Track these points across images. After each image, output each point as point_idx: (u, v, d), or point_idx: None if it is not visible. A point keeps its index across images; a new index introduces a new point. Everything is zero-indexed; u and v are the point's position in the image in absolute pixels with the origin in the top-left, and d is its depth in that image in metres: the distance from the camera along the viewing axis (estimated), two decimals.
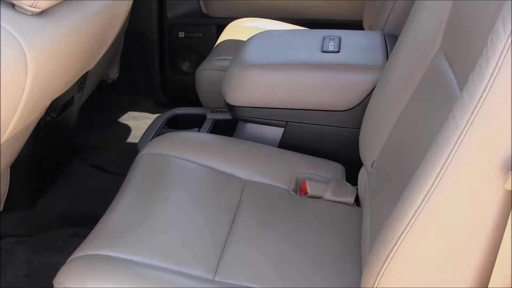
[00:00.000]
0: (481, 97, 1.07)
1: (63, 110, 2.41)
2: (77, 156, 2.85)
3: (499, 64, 1.05)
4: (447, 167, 1.11)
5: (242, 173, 1.87)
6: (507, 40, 1.04)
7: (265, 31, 2.47)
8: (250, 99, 2.10)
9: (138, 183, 1.77)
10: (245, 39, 2.44)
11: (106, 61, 3.08)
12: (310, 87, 2.06)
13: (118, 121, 3.29)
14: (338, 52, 2.15)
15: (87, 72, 2.33)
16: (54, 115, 2.28)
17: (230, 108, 2.14)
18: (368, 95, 2.00)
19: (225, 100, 2.16)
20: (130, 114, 3.35)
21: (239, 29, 2.98)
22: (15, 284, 2.06)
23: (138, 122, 3.25)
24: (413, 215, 1.16)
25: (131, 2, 2.04)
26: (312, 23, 3.08)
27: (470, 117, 1.08)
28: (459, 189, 1.12)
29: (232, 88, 2.11)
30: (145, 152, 1.91)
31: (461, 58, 1.35)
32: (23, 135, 1.94)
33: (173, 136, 2.02)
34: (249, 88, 2.09)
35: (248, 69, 2.09)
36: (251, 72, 2.08)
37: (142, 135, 2.42)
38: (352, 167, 1.96)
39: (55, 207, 2.52)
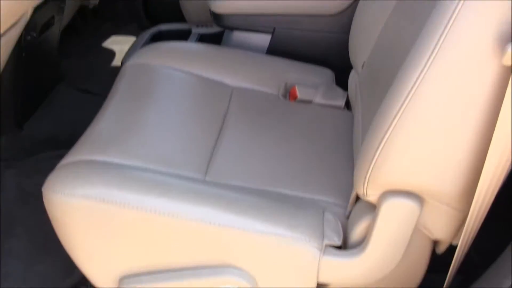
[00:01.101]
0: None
1: (44, 31, 2.37)
2: (62, 81, 2.80)
3: None
4: (441, 42, 1.09)
5: (230, 80, 1.85)
6: None
7: None
8: (235, 6, 2.06)
9: (124, 92, 1.74)
10: None
11: None
12: None
13: (102, 46, 3.24)
14: None
15: None
16: (35, 35, 2.24)
17: (216, 17, 2.10)
18: None
19: (210, 10, 2.11)
20: (113, 38, 3.30)
21: None
22: (6, 206, 2.05)
23: (122, 46, 3.19)
24: (405, 99, 1.14)
25: None
26: None
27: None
28: (454, 67, 1.10)
29: None
30: (130, 63, 1.88)
31: None
32: (4, 50, 1.90)
33: (159, 46, 1.98)
34: None
35: None
36: None
37: (127, 51, 2.38)
38: (341, 73, 1.93)
39: (42, 130, 2.49)
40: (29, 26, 2.09)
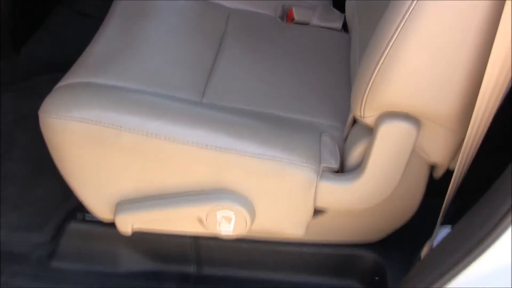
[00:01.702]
0: None
1: None
2: (60, 2, 2.77)
3: None
4: None
5: (227, 2, 1.82)
6: None
7: None
8: None
9: (120, 13, 1.71)
10: None
11: None
12: None
13: None
14: None
15: None
16: None
17: None
18: None
19: None
20: None
21: None
22: (3, 130, 2.04)
23: None
24: (402, 18, 1.13)
25: None
26: None
27: None
28: None
29: None
30: None
31: None
32: None
33: None
34: None
35: None
36: None
37: None
38: None
39: (39, 54, 2.46)
40: None
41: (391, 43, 1.15)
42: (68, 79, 1.45)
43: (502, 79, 1.11)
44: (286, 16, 1.81)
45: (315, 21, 1.79)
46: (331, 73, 1.61)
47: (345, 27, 1.82)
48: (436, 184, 1.43)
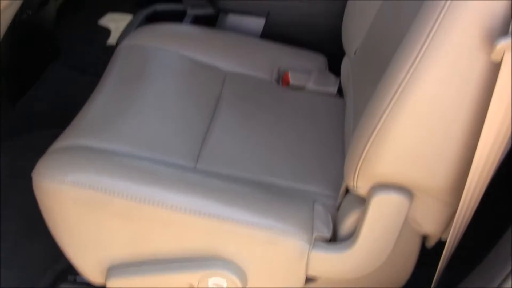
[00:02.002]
0: None
1: (39, 9, 2.35)
2: (57, 58, 2.79)
3: None
4: (430, 39, 1.08)
5: (224, 64, 1.83)
6: None
7: None
8: None
9: (117, 74, 1.72)
10: None
11: None
12: None
13: (98, 23, 3.22)
14: None
15: None
16: (30, 13, 2.22)
17: None
18: None
19: None
20: (109, 16, 3.27)
21: None
22: None
23: (117, 24, 3.16)
24: (395, 92, 1.14)
25: None
26: None
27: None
28: (444, 62, 1.09)
29: None
30: (125, 44, 1.87)
31: None
32: None
33: (153, 28, 1.97)
34: None
35: None
36: None
37: (121, 32, 2.37)
38: (334, 59, 1.92)
39: (35, 109, 2.47)
40: (25, 5, 2.07)
41: (383, 118, 1.16)
42: (63, 141, 1.46)
43: (495, 152, 1.12)
44: (282, 80, 1.83)
45: (310, 85, 1.80)
46: (326, 140, 1.62)
47: (340, 91, 1.83)
48: (428, 252, 1.43)
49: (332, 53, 1.94)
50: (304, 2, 2.02)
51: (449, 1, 1.06)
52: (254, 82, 1.80)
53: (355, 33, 1.72)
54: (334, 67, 1.90)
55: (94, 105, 1.58)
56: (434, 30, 1.08)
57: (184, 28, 2.08)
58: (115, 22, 3.19)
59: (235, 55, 1.87)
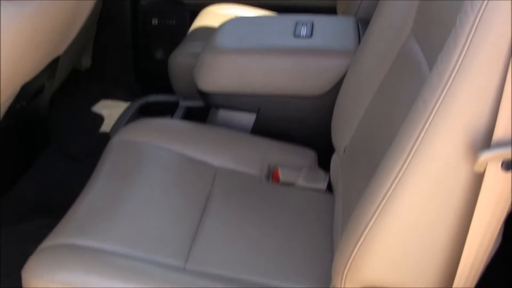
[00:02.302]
0: (449, 77, 1.06)
1: (34, 98, 2.37)
2: (49, 145, 2.80)
3: (467, 44, 1.04)
4: (415, 149, 1.11)
5: (214, 160, 1.85)
6: (474, 20, 1.03)
7: (237, 17, 2.45)
8: (221, 85, 2.08)
9: (108, 170, 1.74)
10: (218, 26, 2.41)
11: (78, 48, 3.01)
12: (282, 72, 2.05)
13: (91, 110, 3.23)
14: (310, 37, 2.14)
15: (58, 60, 2.29)
16: (24, 103, 2.24)
17: (202, 94, 2.12)
18: (340, 80, 1.98)
19: (196, 86, 2.13)
20: (103, 102, 3.30)
21: (213, 16, 2.94)
22: None
23: (111, 111, 3.19)
24: (381, 201, 1.16)
25: None
26: (285, 9, 3.05)
27: (439, 97, 1.07)
28: (427, 172, 1.12)
29: (203, 74, 2.08)
30: (117, 139, 1.88)
31: (431, 40, 1.34)
32: None
33: (145, 123, 1.99)
34: (221, 74, 2.07)
35: (219, 54, 2.08)
36: (222, 57, 2.07)
37: (114, 123, 2.39)
38: (325, 153, 1.95)
39: (28, 198, 2.46)
40: (19, 96, 2.10)
41: (370, 224, 1.18)
42: (53, 240, 1.47)
43: (481, 256, 1.14)
44: (272, 176, 1.85)
45: (300, 182, 1.82)
46: (315, 238, 1.63)
47: (330, 186, 1.84)
48: None
49: (323, 147, 1.96)
50: (294, 98, 2.05)
51: (434, 111, 1.09)
52: (244, 179, 1.81)
53: (344, 131, 1.75)
54: (325, 162, 1.92)
55: (85, 201, 1.60)
56: (418, 141, 1.11)
57: (175, 123, 2.11)
58: (108, 109, 3.21)
59: (225, 150, 1.89)
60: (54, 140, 2.83)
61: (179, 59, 2.56)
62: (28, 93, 2.23)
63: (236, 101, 2.09)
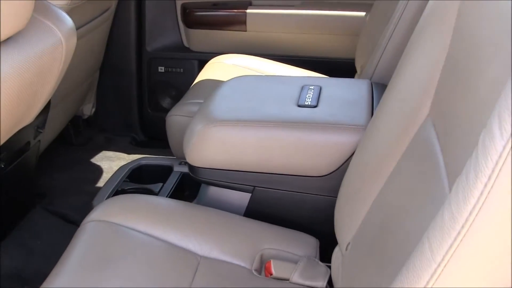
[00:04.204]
0: (466, 222, 0.82)
1: (17, 158, 2.18)
2: (40, 201, 2.63)
3: (491, 180, 0.80)
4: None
5: (199, 248, 1.64)
6: (504, 148, 0.79)
7: (240, 76, 2.21)
8: (212, 160, 1.84)
9: (81, 255, 1.58)
10: (224, 79, 2.23)
11: (77, 97, 2.91)
12: (281, 148, 1.80)
13: (91, 161, 3.08)
14: (315, 106, 1.89)
15: (47, 115, 2.12)
16: (3, 165, 2.06)
17: (191, 169, 1.89)
18: (347, 159, 1.74)
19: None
20: (104, 153, 3.14)
21: (220, 67, 2.75)
22: None
23: (111, 164, 3.03)
24: None
25: (67, 57, 1.79)
26: (300, 61, 2.86)
27: (448, 251, 0.84)
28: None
29: (192, 147, 1.85)
30: (92, 218, 1.70)
31: (449, 132, 1.12)
32: None
33: (126, 200, 1.80)
34: (212, 148, 1.84)
35: (210, 126, 1.82)
36: (214, 129, 1.82)
37: (100, 190, 2.20)
38: (327, 240, 1.71)
39: (7, 263, 2.33)
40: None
41: None
42: None
43: None
44: (264, 269, 1.61)
45: (295, 278, 1.58)
46: None
47: (331, 283, 1.61)
48: None
49: (325, 233, 1.72)
50: (294, 177, 1.82)
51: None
52: (231, 271, 1.59)
53: (348, 223, 1.52)
54: (327, 249, 1.69)
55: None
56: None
57: (159, 202, 1.87)
58: (108, 161, 3.09)
59: (212, 237, 1.67)
60: (46, 194, 2.67)
61: (176, 118, 2.36)
62: (9, 154, 2.07)
63: (228, 178, 1.85)
